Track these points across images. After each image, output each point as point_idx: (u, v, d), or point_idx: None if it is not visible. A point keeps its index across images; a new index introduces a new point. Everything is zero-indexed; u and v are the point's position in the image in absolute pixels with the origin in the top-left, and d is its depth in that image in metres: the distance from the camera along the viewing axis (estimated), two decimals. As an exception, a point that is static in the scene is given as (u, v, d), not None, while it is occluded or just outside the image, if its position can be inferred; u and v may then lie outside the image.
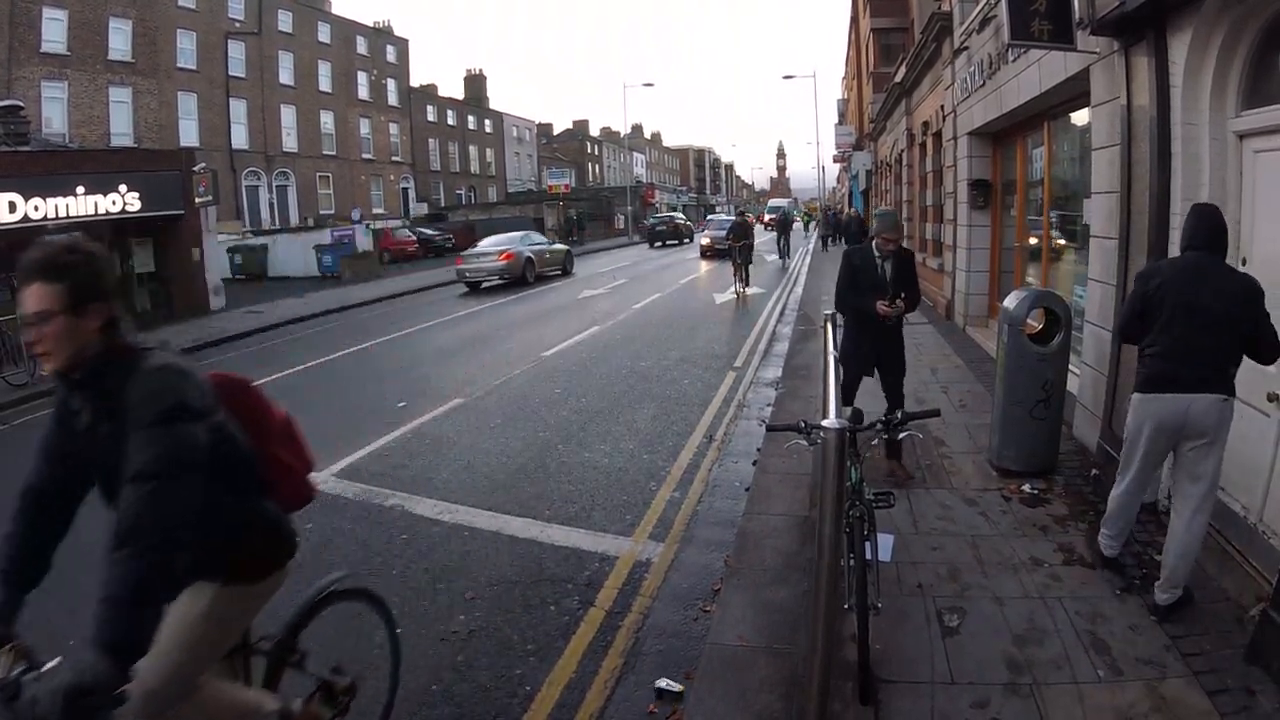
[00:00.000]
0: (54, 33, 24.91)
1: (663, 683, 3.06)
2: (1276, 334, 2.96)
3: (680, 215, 49.32)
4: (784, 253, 23.30)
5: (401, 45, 44.59)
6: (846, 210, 37.00)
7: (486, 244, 20.14)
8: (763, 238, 29.90)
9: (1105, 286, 4.92)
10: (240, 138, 32.72)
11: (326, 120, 38.17)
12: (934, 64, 12.16)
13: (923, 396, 6.85)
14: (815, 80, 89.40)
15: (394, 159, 43.22)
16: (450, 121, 48.90)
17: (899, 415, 3.00)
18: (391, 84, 43.20)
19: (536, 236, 22.59)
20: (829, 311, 4.83)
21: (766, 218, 51.90)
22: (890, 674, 2.92)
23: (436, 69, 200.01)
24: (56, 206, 12.75)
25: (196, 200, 15.53)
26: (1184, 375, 3.03)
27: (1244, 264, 3.76)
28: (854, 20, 32.80)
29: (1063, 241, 7.32)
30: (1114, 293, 4.69)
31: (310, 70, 36.98)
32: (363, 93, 40.72)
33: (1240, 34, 3.69)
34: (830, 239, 27.98)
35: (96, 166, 14.05)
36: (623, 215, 46.14)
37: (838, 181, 58.23)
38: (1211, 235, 3.12)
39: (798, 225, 56.58)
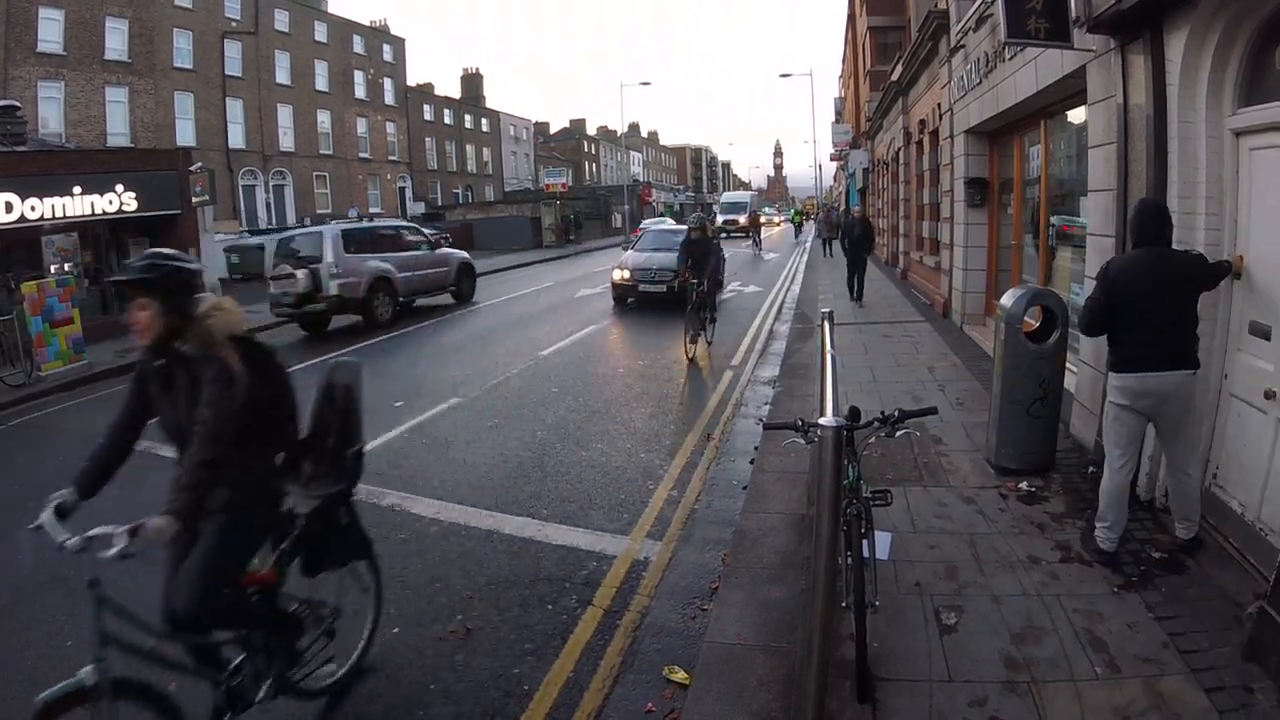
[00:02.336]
0: (50, 32, 24.82)
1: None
2: (1214, 267, 3.50)
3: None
4: (708, 314, 9.78)
5: (398, 44, 44.52)
6: (843, 208, 35.96)
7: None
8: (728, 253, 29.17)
9: (1102, 285, 4.92)
10: (237, 137, 32.63)
11: (323, 119, 38.08)
12: (930, 62, 12.17)
13: (920, 395, 6.86)
14: (812, 79, 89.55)
15: (391, 158, 43.15)
16: (447, 120, 48.84)
17: (897, 413, 3.00)
18: (388, 83, 43.11)
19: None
20: (826, 310, 4.82)
21: (721, 220, 41.28)
22: (888, 672, 2.92)
23: (433, 68, 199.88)
24: (53, 206, 12.69)
25: (193, 200, 15.47)
26: (1157, 355, 3.41)
27: (1242, 256, 3.79)
28: (851, 19, 32.81)
29: (1059, 239, 7.32)
30: (1111, 291, 4.70)
31: (307, 69, 36.90)
32: (359, 92, 40.63)
33: (1237, 31, 3.69)
34: (830, 242, 24.21)
35: (93, 166, 13.97)
36: (619, 214, 46.08)
37: (834, 180, 57.41)
38: (1158, 229, 3.47)
39: (781, 229, 49.66)
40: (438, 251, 15.62)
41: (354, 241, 13.24)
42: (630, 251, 15.33)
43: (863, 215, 14.99)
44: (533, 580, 4.06)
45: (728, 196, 54.24)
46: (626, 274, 14.01)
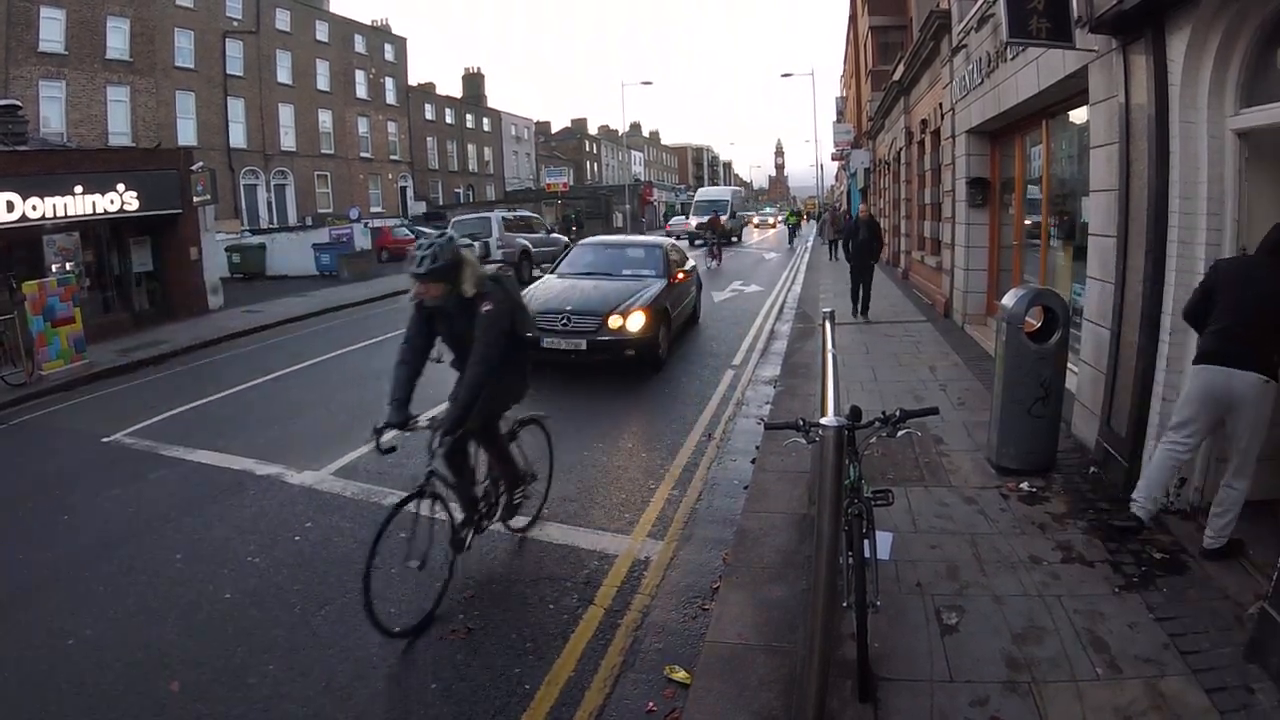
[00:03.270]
0: (51, 32, 24.85)
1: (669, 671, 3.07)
2: None
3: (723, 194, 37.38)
4: (496, 489, 4.27)
5: (399, 44, 44.55)
6: (844, 207, 34.82)
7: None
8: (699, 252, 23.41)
9: (1104, 285, 4.92)
10: (238, 137, 32.68)
11: (324, 119, 38.12)
12: (932, 62, 12.17)
13: (921, 394, 6.85)
14: (814, 79, 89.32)
15: (392, 158, 43.18)
16: (448, 120, 48.85)
17: (898, 413, 3.00)
18: (389, 83, 43.14)
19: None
20: (827, 309, 4.81)
21: (693, 223, 32.89)
22: (889, 672, 2.92)
23: (435, 68, 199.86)
24: (55, 206, 12.68)
25: (195, 199, 15.46)
26: (1229, 352, 3.41)
27: (1244, 255, 3.79)
28: (852, 18, 32.77)
29: (1060, 239, 7.32)
30: (1112, 290, 4.70)
31: (308, 69, 36.93)
32: (361, 91, 40.67)
33: (1238, 32, 3.69)
34: (835, 244, 21.39)
35: (94, 166, 13.94)
36: (621, 213, 46.04)
37: (836, 180, 56.84)
38: (1276, 243, 3.43)
39: (774, 233, 45.24)
40: (550, 235, 22.68)
41: (509, 224, 20.25)
42: (545, 279, 10.01)
43: (869, 215, 12.30)
44: (534, 580, 4.06)
45: (704, 193, 43.62)
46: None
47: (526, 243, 19.62)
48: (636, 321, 8.08)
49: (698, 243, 26.95)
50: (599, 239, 12.35)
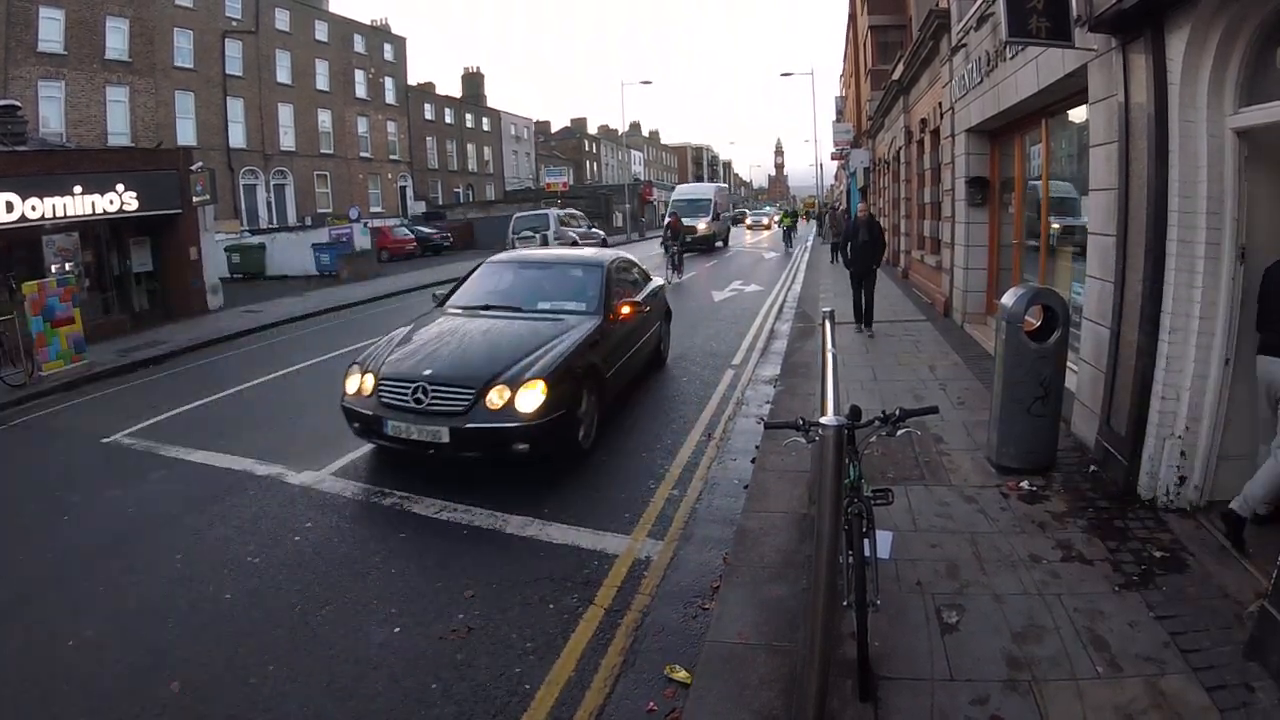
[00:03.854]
0: (51, 32, 24.85)
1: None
2: None
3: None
4: None
5: (399, 44, 44.54)
6: (844, 206, 34.31)
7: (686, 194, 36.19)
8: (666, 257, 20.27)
9: (1103, 283, 4.93)
10: (238, 137, 32.68)
11: (324, 119, 38.12)
12: (931, 61, 12.17)
13: (921, 394, 6.86)
14: (813, 78, 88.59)
15: (392, 157, 43.17)
16: (448, 120, 48.85)
17: (898, 412, 3.00)
18: (389, 82, 43.14)
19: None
20: (827, 309, 4.81)
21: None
22: (889, 671, 2.92)
23: (434, 68, 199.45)
24: (54, 206, 12.68)
25: (194, 199, 15.46)
26: (1273, 342, 3.53)
27: (1243, 254, 3.81)
28: (852, 18, 32.75)
29: (1060, 239, 7.32)
30: (1112, 289, 4.70)
31: (307, 69, 36.93)
32: (360, 91, 40.66)
33: (1238, 31, 3.69)
34: (837, 247, 17.62)
35: (94, 166, 13.94)
36: (621, 213, 46.05)
37: (835, 179, 56.49)
38: None
39: (769, 234, 42.64)
40: (591, 230, 29.00)
41: (560, 220, 26.59)
42: (427, 317, 6.97)
43: (869, 215, 10.74)
44: (534, 579, 4.07)
45: (682, 191, 36.81)
46: (368, 384, 5.75)
47: (575, 235, 23.96)
48: (530, 399, 5.22)
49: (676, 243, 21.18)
50: (516, 254, 9.31)
